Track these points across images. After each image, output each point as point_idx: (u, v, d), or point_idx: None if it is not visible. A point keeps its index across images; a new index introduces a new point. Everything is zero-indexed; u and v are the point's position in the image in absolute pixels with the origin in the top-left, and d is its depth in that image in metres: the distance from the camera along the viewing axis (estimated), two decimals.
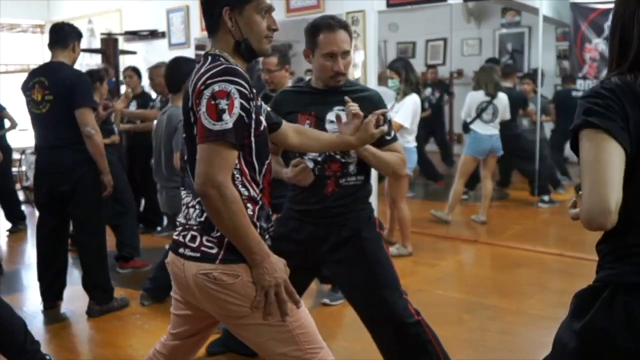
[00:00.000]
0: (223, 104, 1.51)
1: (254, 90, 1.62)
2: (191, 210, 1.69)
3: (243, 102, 1.54)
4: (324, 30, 2.15)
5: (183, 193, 1.76)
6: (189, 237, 1.66)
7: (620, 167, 1.25)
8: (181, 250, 1.67)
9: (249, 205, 1.63)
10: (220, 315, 1.70)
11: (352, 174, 2.24)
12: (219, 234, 1.61)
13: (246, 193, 1.63)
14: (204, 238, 1.63)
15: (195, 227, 1.66)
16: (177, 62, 3.41)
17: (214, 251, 1.61)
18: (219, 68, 1.56)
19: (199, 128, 1.54)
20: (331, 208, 2.23)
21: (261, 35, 1.68)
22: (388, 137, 2.22)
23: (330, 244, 2.24)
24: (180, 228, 1.73)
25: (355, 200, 2.27)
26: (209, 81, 1.53)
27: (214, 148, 1.52)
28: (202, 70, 1.59)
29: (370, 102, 2.20)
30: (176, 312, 1.84)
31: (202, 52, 1.73)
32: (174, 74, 3.37)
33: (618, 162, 1.25)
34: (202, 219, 1.64)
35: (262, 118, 1.68)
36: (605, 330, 1.29)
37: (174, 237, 1.74)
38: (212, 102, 1.51)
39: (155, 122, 3.80)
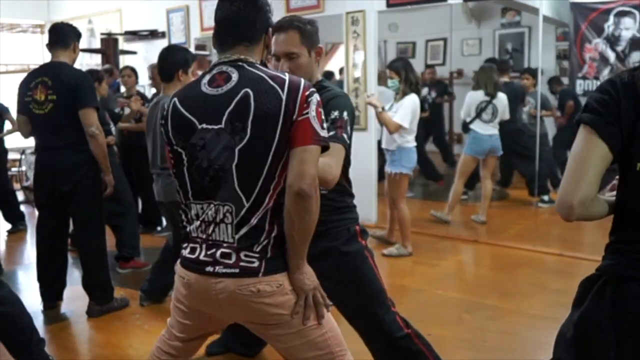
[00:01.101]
0: (322, 113, 1.63)
1: None
2: (222, 226, 1.62)
3: None
4: (275, 31, 2.05)
5: (205, 206, 1.65)
6: (219, 254, 1.61)
7: (598, 165, 1.30)
8: (209, 268, 1.62)
9: None
10: (256, 325, 1.70)
11: None
12: (260, 247, 1.59)
13: None
14: (242, 254, 1.60)
15: (226, 245, 1.61)
16: (171, 50, 3.37)
17: (255, 265, 1.59)
18: (301, 79, 1.65)
19: (306, 130, 1.57)
20: None
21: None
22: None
23: (310, 255, 2.20)
24: (203, 245, 1.65)
25: (327, 212, 2.09)
26: (310, 90, 1.61)
27: (319, 152, 1.59)
28: (288, 78, 1.61)
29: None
30: (178, 319, 1.81)
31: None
32: (167, 62, 3.31)
33: (597, 160, 1.30)
34: (239, 235, 1.60)
35: None
36: (597, 321, 1.33)
37: (188, 256, 1.68)
38: (319, 110, 1.61)
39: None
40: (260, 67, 1.67)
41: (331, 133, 1.95)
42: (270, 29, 1.74)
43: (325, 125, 1.62)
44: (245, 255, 1.59)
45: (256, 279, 1.59)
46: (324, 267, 2.15)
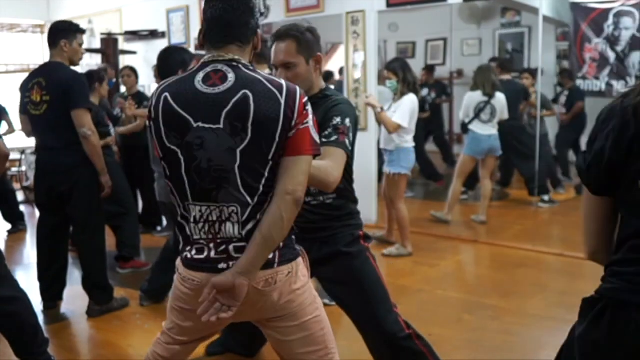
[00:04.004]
0: (316, 122, 1.66)
1: None
2: (228, 224, 1.60)
3: None
4: (274, 40, 2.09)
5: (207, 208, 1.61)
6: (232, 249, 1.60)
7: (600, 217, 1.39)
8: (223, 265, 1.60)
9: None
10: (260, 317, 1.73)
11: (313, 194, 2.13)
12: None
13: None
14: None
15: (236, 240, 1.60)
16: (168, 51, 3.44)
17: (270, 256, 1.61)
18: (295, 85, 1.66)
19: (306, 139, 1.59)
20: (305, 223, 2.07)
21: None
22: (324, 140, 1.94)
23: (312, 260, 2.18)
24: (211, 244, 1.63)
25: (332, 219, 2.19)
26: (306, 97, 1.63)
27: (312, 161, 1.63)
28: (284, 83, 1.61)
29: (323, 110, 2.05)
30: (179, 322, 1.80)
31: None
32: (165, 64, 3.37)
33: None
34: (246, 230, 1.60)
35: None
36: (595, 342, 1.30)
37: (196, 257, 1.64)
38: (315, 118, 1.63)
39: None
40: (255, 69, 1.66)
41: (333, 138, 1.96)
42: (259, 32, 1.73)
43: (324, 132, 1.62)
44: None
45: (272, 270, 1.62)
46: (327, 271, 2.21)
